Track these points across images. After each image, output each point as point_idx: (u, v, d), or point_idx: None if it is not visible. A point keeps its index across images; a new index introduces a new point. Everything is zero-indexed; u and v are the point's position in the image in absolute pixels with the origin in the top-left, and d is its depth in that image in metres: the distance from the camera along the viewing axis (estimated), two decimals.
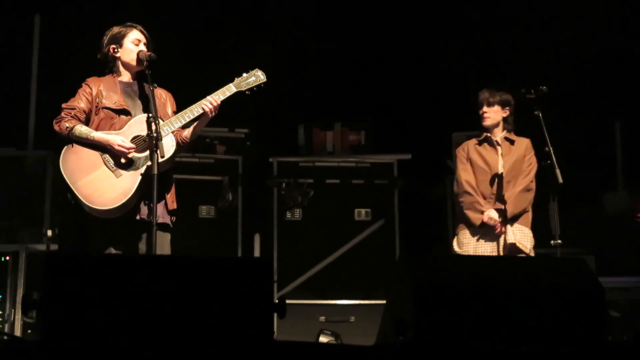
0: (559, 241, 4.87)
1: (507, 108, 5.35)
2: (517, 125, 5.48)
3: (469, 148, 5.41)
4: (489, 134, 5.37)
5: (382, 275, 6.52)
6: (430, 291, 3.31)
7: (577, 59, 7.36)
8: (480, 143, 5.40)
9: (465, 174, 5.35)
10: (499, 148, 5.34)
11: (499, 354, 3.00)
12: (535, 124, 4.97)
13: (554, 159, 4.85)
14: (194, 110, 4.58)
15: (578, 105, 7.29)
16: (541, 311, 3.34)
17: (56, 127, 4.50)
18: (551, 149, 4.87)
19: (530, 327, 3.30)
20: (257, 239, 6.92)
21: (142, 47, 4.68)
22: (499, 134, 5.37)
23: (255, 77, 4.72)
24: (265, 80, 4.73)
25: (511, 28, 7.44)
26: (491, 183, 5.29)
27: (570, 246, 5.47)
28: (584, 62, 7.35)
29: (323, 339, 6.06)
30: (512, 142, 5.36)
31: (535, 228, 5.30)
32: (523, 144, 5.36)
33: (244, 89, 4.69)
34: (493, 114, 5.33)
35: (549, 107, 5.05)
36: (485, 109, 5.32)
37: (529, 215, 5.30)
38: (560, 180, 4.80)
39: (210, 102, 4.57)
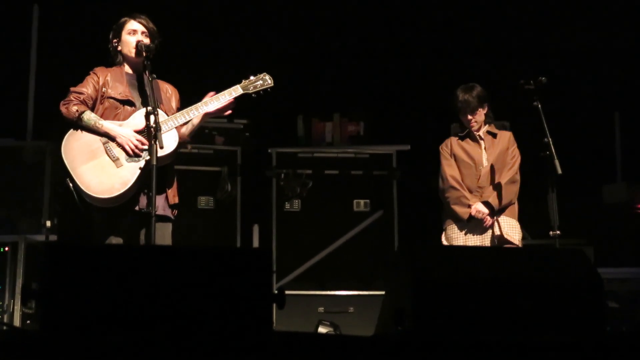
0: (558, 232, 4.87)
1: (485, 103, 5.35)
2: (508, 114, 5.50)
3: (452, 144, 5.42)
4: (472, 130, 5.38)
5: (381, 266, 6.52)
6: (429, 282, 3.31)
7: (577, 50, 7.35)
8: (462, 138, 5.41)
9: (450, 170, 5.36)
10: (482, 142, 5.36)
11: (497, 344, 3.00)
12: (534, 115, 4.96)
13: (553, 150, 4.85)
14: (199, 108, 4.60)
15: (577, 96, 7.29)
16: (540, 302, 3.34)
17: (63, 109, 4.50)
18: (550, 139, 4.87)
19: (529, 317, 3.30)
20: (256, 230, 6.91)
21: (140, 37, 4.67)
22: (481, 129, 5.38)
23: (263, 81, 4.77)
24: (272, 84, 4.79)
25: (510, 19, 7.43)
26: (476, 177, 5.30)
27: (569, 237, 5.47)
28: (583, 53, 7.35)
29: (322, 329, 6.07)
30: (494, 135, 5.38)
31: (534, 219, 5.31)
32: (505, 137, 5.39)
33: (250, 91, 4.73)
34: (478, 118, 5.34)
35: (548, 98, 5.05)
36: (469, 117, 5.32)
37: (515, 207, 5.33)
38: (559, 171, 4.80)
39: (217, 99, 4.61)
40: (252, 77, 4.76)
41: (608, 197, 7.07)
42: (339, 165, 6.95)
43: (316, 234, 6.75)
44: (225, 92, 4.69)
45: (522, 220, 5.33)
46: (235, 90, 4.71)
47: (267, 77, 4.78)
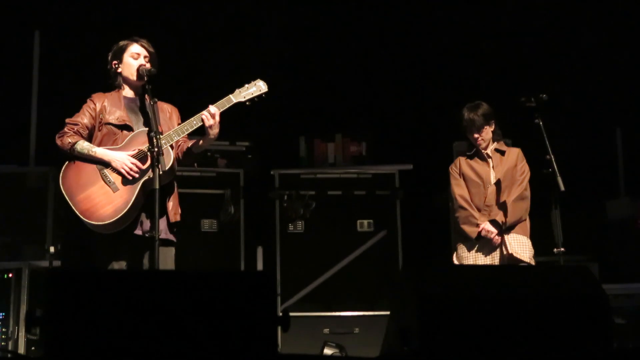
0: (562, 249, 4.86)
1: (492, 121, 5.36)
2: (510, 131, 5.50)
3: (461, 163, 5.43)
4: (480, 148, 5.38)
5: (385, 286, 6.50)
6: (435, 301, 3.30)
7: (578, 66, 7.37)
8: (470, 157, 5.42)
9: (458, 189, 5.37)
10: (489, 160, 5.36)
11: None
12: (536, 132, 4.96)
13: (556, 167, 4.84)
14: (192, 123, 4.58)
15: (579, 112, 7.30)
16: (545, 320, 3.33)
17: (58, 142, 4.52)
18: (552, 156, 4.86)
19: (535, 336, 3.29)
20: (259, 252, 6.91)
21: (142, 61, 4.68)
22: (489, 147, 5.39)
23: (257, 87, 4.69)
24: (266, 90, 4.69)
25: (511, 37, 7.45)
26: (484, 195, 5.29)
27: (573, 254, 5.46)
28: (584, 69, 7.36)
29: (327, 351, 6.04)
30: (502, 152, 5.38)
31: (538, 236, 5.29)
32: (514, 153, 5.38)
33: (243, 99, 4.66)
34: (485, 136, 5.34)
35: (550, 115, 5.05)
36: (476, 135, 5.32)
37: (526, 224, 5.30)
38: (562, 188, 4.79)
39: (209, 112, 4.56)
40: (246, 85, 4.69)
41: (612, 212, 7.05)
42: (342, 186, 6.94)
43: (320, 255, 6.74)
44: (218, 103, 4.62)
45: None
46: (228, 101, 4.63)
47: (261, 82, 4.70)
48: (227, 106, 4.63)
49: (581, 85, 7.33)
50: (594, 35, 7.35)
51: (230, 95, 4.66)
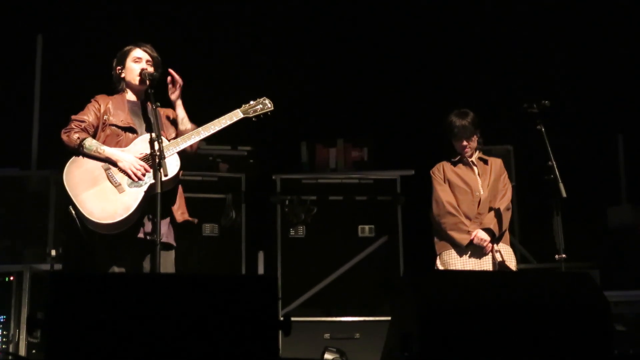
0: (564, 256, 4.86)
1: (478, 130, 5.34)
2: (503, 137, 5.50)
3: (445, 169, 5.39)
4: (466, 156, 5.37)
5: (386, 292, 6.49)
6: (435, 307, 3.30)
7: (580, 73, 7.37)
8: (454, 164, 5.38)
9: (445, 195, 5.32)
10: (475, 168, 5.34)
11: None
12: (538, 138, 4.96)
13: (557, 173, 4.84)
14: (201, 133, 4.63)
15: (580, 118, 7.30)
16: (546, 326, 3.33)
17: (64, 137, 4.52)
18: (554, 163, 4.87)
19: (536, 342, 3.29)
20: (261, 257, 6.91)
21: (144, 65, 4.71)
22: (473, 155, 5.37)
23: (263, 105, 4.82)
24: (272, 108, 4.84)
25: (513, 43, 7.46)
26: (473, 203, 5.27)
27: (574, 260, 5.45)
28: (586, 76, 7.37)
29: (328, 356, 6.03)
30: (485, 161, 5.37)
31: (539, 243, 5.30)
32: (497, 163, 5.38)
33: (250, 115, 4.78)
34: (473, 144, 5.33)
35: (552, 121, 5.05)
36: (465, 143, 5.31)
37: (507, 234, 5.33)
38: (564, 194, 4.79)
39: (218, 124, 4.65)
40: (252, 102, 4.81)
41: (613, 219, 7.05)
42: (344, 191, 6.94)
43: (321, 260, 6.73)
44: (226, 116, 4.72)
45: (527, 244, 5.32)
46: (236, 115, 4.74)
47: (267, 101, 4.83)
48: (235, 120, 4.74)
49: (583, 92, 7.33)
50: (595, 40, 7.35)
51: (238, 110, 4.78)
